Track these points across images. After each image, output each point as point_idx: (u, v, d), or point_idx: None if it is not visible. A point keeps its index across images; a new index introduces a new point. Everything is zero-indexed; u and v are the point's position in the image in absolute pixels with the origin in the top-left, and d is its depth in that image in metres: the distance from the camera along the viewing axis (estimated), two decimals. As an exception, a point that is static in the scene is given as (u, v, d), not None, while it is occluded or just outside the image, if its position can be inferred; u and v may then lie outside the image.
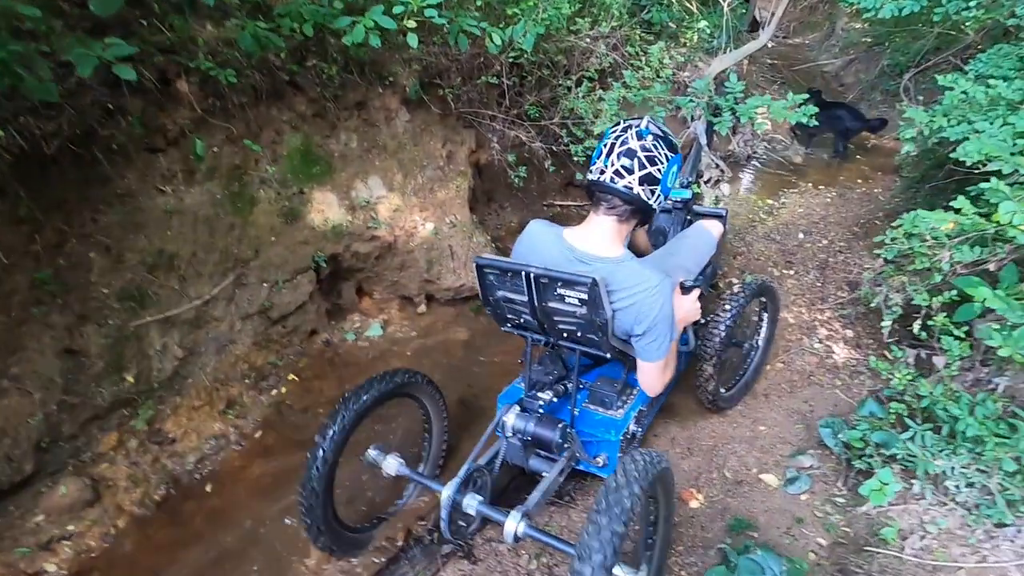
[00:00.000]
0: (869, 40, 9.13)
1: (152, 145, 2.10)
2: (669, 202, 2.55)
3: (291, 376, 2.61)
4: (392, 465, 1.76)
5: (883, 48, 8.46)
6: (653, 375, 1.66)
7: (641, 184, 1.48)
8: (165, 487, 2.08)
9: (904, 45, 7.66)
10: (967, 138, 2.59)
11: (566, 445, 1.70)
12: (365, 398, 1.69)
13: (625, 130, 1.51)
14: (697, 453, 2.34)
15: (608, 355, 1.64)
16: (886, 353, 2.37)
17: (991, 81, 2.63)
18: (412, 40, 2.38)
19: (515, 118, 3.44)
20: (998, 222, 1.53)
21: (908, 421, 1.78)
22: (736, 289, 2.34)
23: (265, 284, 2.48)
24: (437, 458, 2.10)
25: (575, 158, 3.46)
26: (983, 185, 1.91)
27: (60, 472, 1.88)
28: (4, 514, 1.76)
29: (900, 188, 4.62)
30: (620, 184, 1.48)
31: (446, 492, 1.55)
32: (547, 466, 1.73)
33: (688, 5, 5.49)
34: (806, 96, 2.91)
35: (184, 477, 2.13)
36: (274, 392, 2.52)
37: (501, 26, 2.95)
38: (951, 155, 2.61)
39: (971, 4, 3.26)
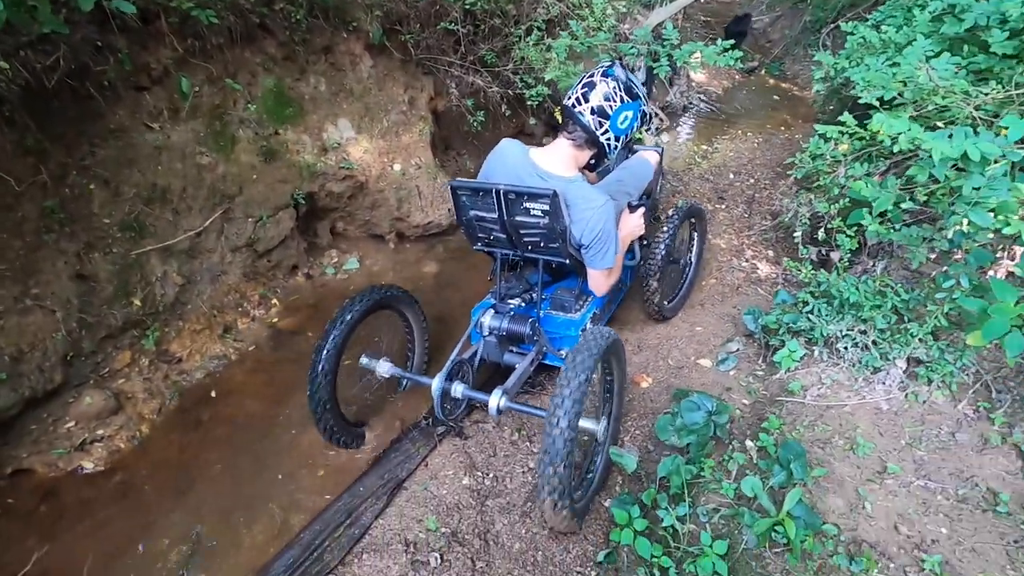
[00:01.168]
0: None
1: (139, 83, 2.22)
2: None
3: (279, 304, 2.82)
4: (384, 368, 2.01)
5: (805, 5, 9.03)
6: (599, 280, 1.96)
7: (592, 114, 1.71)
8: (179, 398, 2.29)
9: (823, 2, 8.21)
10: (865, 77, 3.06)
11: (535, 338, 1.98)
12: (357, 308, 1.92)
13: (599, 68, 1.75)
14: (645, 350, 2.75)
15: (567, 261, 1.89)
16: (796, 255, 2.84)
17: (883, 27, 3.08)
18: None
19: (471, 64, 3.65)
20: (872, 132, 1.93)
21: (808, 298, 2.23)
22: (671, 212, 2.70)
23: (250, 219, 2.65)
24: (421, 361, 2.38)
25: (528, 103, 3.72)
26: (873, 116, 2.33)
27: (84, 385, 2.06)
28: (39, 421, 1.94)
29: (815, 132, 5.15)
30: (577, 110, 1.72)
31: (436, 382, 1.82)
32: (519, 359, 2.03)
33: (627, -41, 5.75)
34: (732, 42, 3.27)
35: (194, 391, 2.35)
36: (266, 319, 2.73)
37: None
38: (851, 92, 3.06)
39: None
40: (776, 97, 6.27)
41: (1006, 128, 1.65)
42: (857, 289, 2.11)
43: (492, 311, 2.00)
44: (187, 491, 2.01)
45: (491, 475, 2.08)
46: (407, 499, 2.00)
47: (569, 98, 1.76)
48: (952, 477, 1.83)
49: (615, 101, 1.71)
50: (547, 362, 2.17)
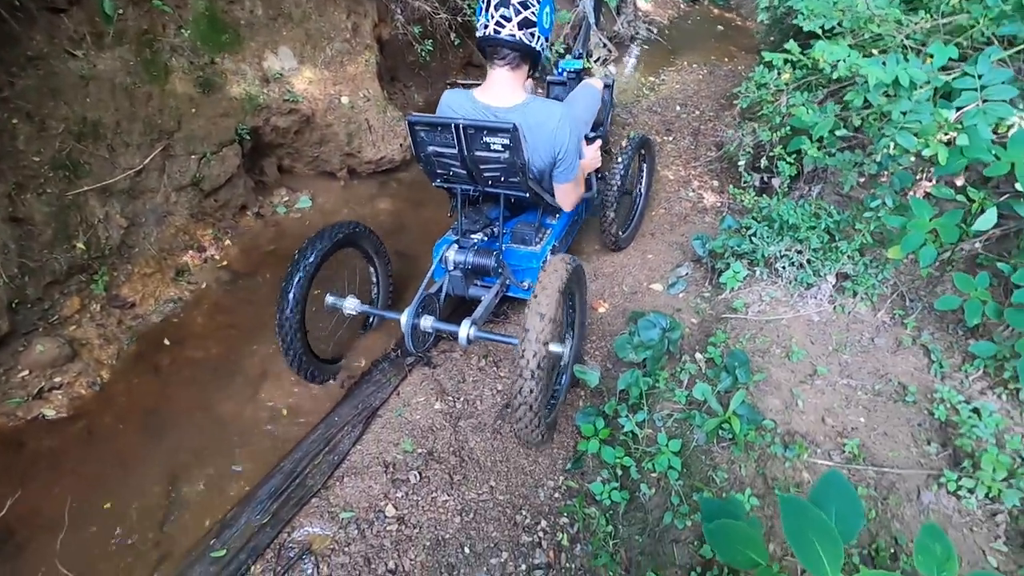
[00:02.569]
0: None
1: (54, 4, 2.01)
2: (565, 74, 2.84)
3: (232, 245, 2.74)
4: (351, 304, 2.02)
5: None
6: (568, 192, 2.03)
7: (520, 28, 1.67)
8: (136, 343, 2.24)
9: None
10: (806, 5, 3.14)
11: (499, 271, 2.02)
12: (320, 245, 1.91)
13: None
14: (601, 278, 2.88)
15: (527, 195, 1.92)
16: (740, 183, 2.99)
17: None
18: None
19: (417, -11, 3.48)
20: (815, 61, 2.03)
21: (752, 223, 2.39)
22: (624, 144, 2.78)
23: (193, 156, 2.52)
24: (386, 297, 2.39)
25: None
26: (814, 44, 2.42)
27: (33, 333, 1.98)
28: (-11, 370, 1.87)
29: (759, 62, 5.27)
30: (504, 34, 1.67)
31: (405, 317, 1.86)
32: (484, 292, 2.08)
33: None
34: None
35: (152, 334, 2.30)
36: (219, 260, 2.65)
37: None
38: (793, 22, 3.15)
39: None
40: (720, 27, 6.31)
41: (931, 56, 1.78)
42: (795, 212, 2.27)
43: (456, 246, 2.03)
44: (158, 432, 2.01)
45: (461, 399, 2.19)
46: (382, 426, 2.08)
47: (486, 27, 1.70)
48: (870, 375, 2.08)
49: (533, 5, 1.68)
50: (510, 294, 2.23)
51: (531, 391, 1.59)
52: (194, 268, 2.55)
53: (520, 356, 1.57)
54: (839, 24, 2.41)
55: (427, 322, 1.92)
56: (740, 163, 2.95)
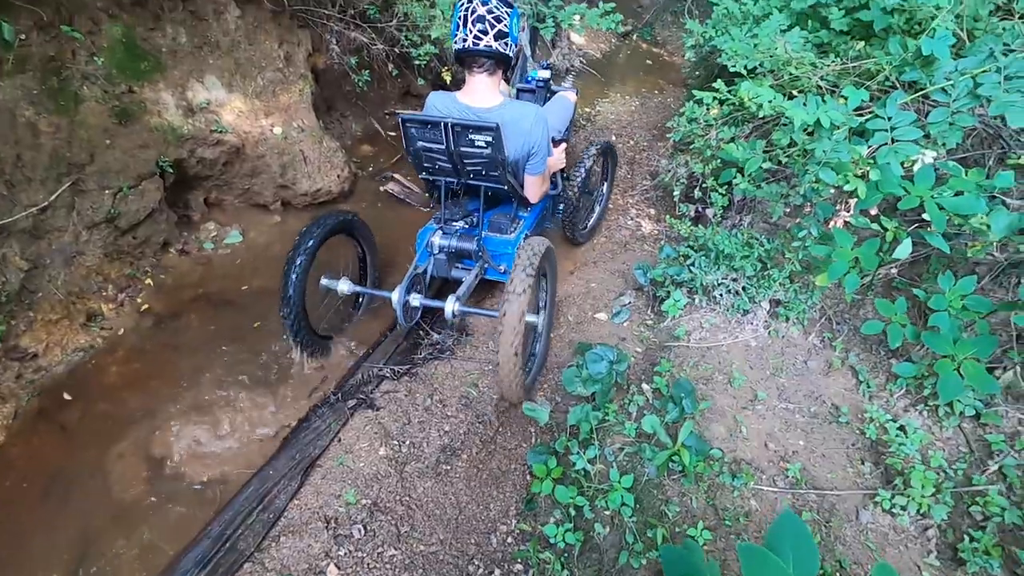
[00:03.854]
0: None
1: (-59, 27, 1.82)
2: (534, 82, 3.02)
3: (153, 285, 2.54)
4: (345, 285, 2.17)
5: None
6: (537, 185, 2.24)
7: (496, 39, 1.87)
8: (38, 398, 2.01)
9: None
10: (728, 44, 3.33)
11: (479, 255, 2.21)
12: (317, 232, 2.04)
13: (471, 0, 1.84)
14: (546, 308, 2.88)
15: (504, 187, 2.11)
16: (676, 213, 3.09)
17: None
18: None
19: (353, 19, 3.43)
20: (741, 99, 2.14)
21: (690, 252, 2.46)
22: (590, 146, 2.97)
23: (107, 191, 2.33)
24: (374, 280, 2.57)
25: (416, 62, 3.59)
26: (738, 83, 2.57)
27: (-91, 394, 1.73)
28: None
29: (687, 97, 5.55)
30: (481, 45, 1.85)
31: (396, 294, 2.05)
32: (465, 273, 2.27)
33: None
34: (613, 5, 3.40)
35: (57, 387, 2.07)
36: (139, 302, 2.45)
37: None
38: (719, 60, 3.33)
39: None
40: (649, 61, 6.61)
41: (846, 97, 1.91)
42: (729, 242, 2.36)
43: (440, 232, 2.21)
44: (63, 499, 1.80)
45: (407, 442, 2.09)
46: (322, 476, 1.96)
47: (465, 40, 1.87)
48: (806, 398, 2.17)
49: (505, 18, 1.87)
50: (487, 277, 2.40)
51: (512, 354, 1.81)
52: (108, 312, 2.34)
53: (501, 323, 1.78)
54: (760, 65, 2.57)
55: (416, 299, 2.11)
56: (675, 193, 3.06)
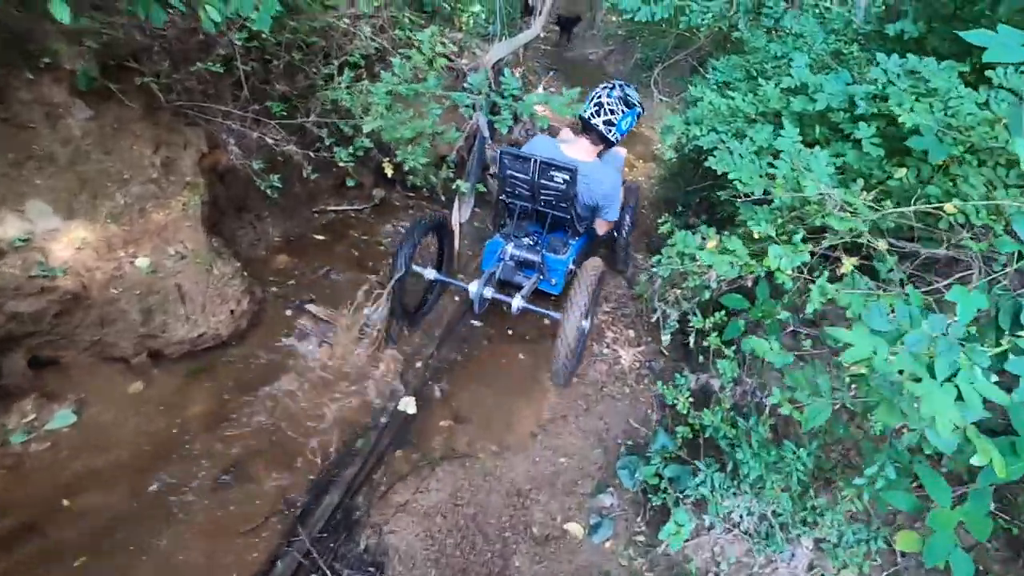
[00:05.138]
0: (623, 34, 10.07)
1: None
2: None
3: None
4: (431, 273, 2.62)
5: (635, 43, 9.38)
6: (604, 226, 2.93)
7: (604, 125, 2.58)
8: None
9: (653, 41, 8.57)
10: (716, 148, 2.78)
11: (540, 265, 2.68)
12: (418, 230, 2.55)
13: (603, 88, 2.60)
14: (506, 498, 2.12)
15: (567, 216, 2.66)
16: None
17: (730, 92, 2.83)
18: (60, 10, 1.61)
19: (258, 115, 2.76)
20: (768, 267, 1.51)
21: (698, 464, 1.76)
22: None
23: None
24: (449, 270, 2.99)
25: (342, 164, 2.93)
26: (742, 210, 1.96)
27: None
28: None
29: (660, 179, 5.05)
30: (593, 122, 2.57)
31: (474, 286, 2.49)
32: (525, 280, 2.68)
33: (460, -14, 5.21)
34: (578, 90, 2.99)
35: None
36: None
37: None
38: (705, 163, 2.77)
39: (706, 16, 3.53)
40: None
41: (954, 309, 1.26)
42: (751, 445, 1.67)
43: (513, 243, 2.69)
44: None
45: None
46: None
47: (585, 112, 2.58)
48: None
49: (618, 114, 2.57)
50: (540, 287, 2.81)
51: (568, 351, 2.30)
52: None
53: (563, 326, 2.26)
54: (766, 192, 1.97)
55: (488, 292, 2.52)
56: (664, 337, 2.40)
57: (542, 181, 2.48)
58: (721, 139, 2.78)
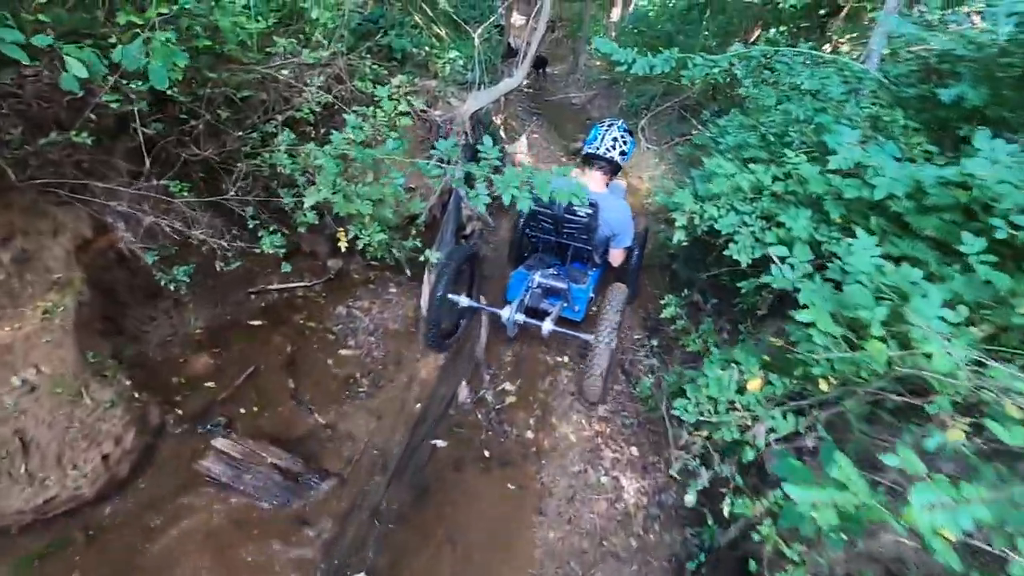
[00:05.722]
0: (608, 78, 9.82)
1: None
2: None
3: None
4: (464, 300, 2.79)
5: (619, 87, 9.09)
6: (619, 255, 2.96)
7: (620, 155, 2.79)
8: None
9: (639, 88, 8.28)
10: (738, 231, 2.25)
11: (566, 293, 2.82)
12: (452, 263, 2.65)
13: (611, 127, 2.81)
14: None
15: (588, 247, 2.88)
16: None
17: (753, 166, 2.33)
18: None
19: (162, 192, 2.16)
20: (906, 521, 0.93)
21: None
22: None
23: None
24: (477, 297, 2.98)
25: (270, 251, 2.32)
26: (798, 319, 1.39)
27: None
28: None
29: (659, 251, 4.51)
30: (608, 155, 2.76)
31: (506, 312, 2.66)
32: (551, 307, 2.82)
33: (438, 31, 4.74)
34: (573, 169, 2.82)
35: None
36: None
37: (116, 42, 1.70)
38: (725, 252, 2.23)
39: (713, 71, 3.06)
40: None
41: None
42: None
43: (540, 273, 2.84)
44: None
45: None
46: None
47: (597, 149, 2.76)
48: None
49: (628, 144, 2.81)
50: (563, 314, 2.91)
51: (599, 368, 2.48)
52: None
53: (594, 344, 2.46)
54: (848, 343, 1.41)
55: (520, 316, 2.67)
56: (688, 499, 1.80)
57: (566, 215, 2.67)
58: (743, 221, 2.28)
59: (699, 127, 6.06)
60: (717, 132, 3.24)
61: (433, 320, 2.61)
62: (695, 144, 4.19)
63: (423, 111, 4.04)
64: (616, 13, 13.13)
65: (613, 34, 10.81)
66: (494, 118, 5.91)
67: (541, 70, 10.01)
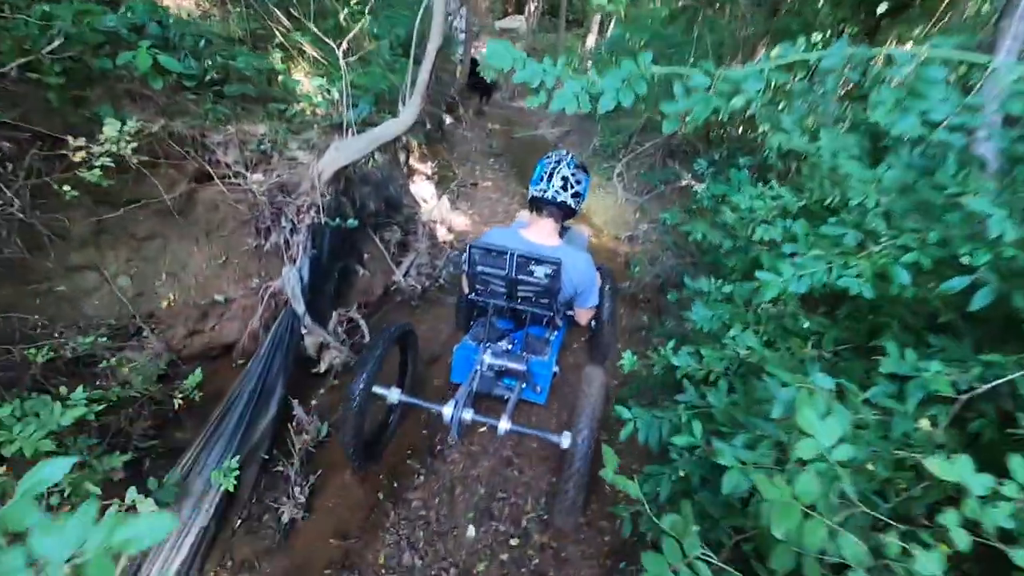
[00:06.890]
0: (582, 113, 8.47)
1: None
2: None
3: None
4: (395, 394, 2.11)
5: (594, 124, 7.73)
6: (585, 315, 2.40)
7: (572, 198, 2.16)
8: None
9: (616, 124, 6.91)
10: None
11: (526, 373, 2.22)
12: (379, 348, 2.07)
13: (558, 163, 2.14)
14: None
15: (550, 312, 2.25)
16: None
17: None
18: None
19: None
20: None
21: None
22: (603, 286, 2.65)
23: None
24: (410, 387, 2.41)
25: None
26: None
27: None
28: None
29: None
30: (559, 199, 2.13)
31: (448, 409, 2.02)
32: (507, 391, 2.25)
33: (291, 45, 3.17)
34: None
35: None
36: None
37: None
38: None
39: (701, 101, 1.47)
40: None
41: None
42: None
43: (490, 351, 2.21)
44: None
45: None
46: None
47: (545, 191, 2.12)
48: None
49: (582, 183, 2.20)
50: (522, 396, 2.29)
51: (573, 490, 1.87)
52: None
53: (575, 446, 1.85)
54: None
55: (468, 414, 2.05)
56: None
57: (520, 276, 2.15)
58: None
59: (692, 179, 4.53)
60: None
61: (351, 427, 2.08)
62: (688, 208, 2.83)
63: (235, 175, 2.45)
64: (592, 40, 11.88)
65: (589, 62, 9.49)
66: (406, 170, 4.32)
67: (484, 97, 8.85)
